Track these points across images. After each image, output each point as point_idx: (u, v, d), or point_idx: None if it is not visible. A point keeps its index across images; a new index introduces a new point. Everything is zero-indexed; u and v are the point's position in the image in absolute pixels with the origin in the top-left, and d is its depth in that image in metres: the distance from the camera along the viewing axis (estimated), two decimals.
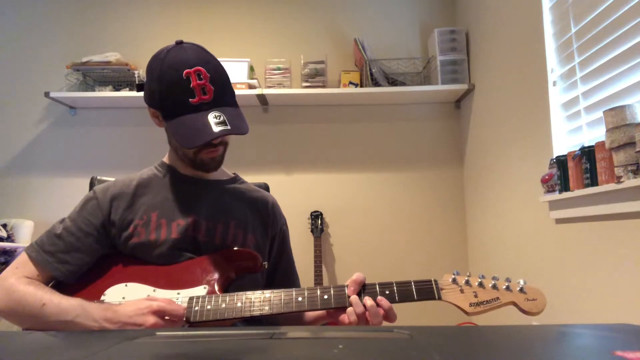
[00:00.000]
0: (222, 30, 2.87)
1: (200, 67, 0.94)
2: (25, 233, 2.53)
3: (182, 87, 0.94)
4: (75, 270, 0.98)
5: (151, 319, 0.84)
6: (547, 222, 1.75)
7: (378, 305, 0.88)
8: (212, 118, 0.93)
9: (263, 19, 2.88)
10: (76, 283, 0.98)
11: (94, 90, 2.68)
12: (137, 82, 2.64)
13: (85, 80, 2.73)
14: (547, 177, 1.64)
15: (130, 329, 0.84)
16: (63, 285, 0.97)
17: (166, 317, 0.86)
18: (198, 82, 0.94)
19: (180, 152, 1.06)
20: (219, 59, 1.01)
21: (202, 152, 1.02)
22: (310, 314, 1.07)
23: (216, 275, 0.96)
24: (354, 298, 0.88)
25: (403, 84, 2.70)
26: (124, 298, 0.93)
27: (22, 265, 0.96)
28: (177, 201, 1.06)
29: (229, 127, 0.93)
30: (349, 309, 0.88)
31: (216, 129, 0.92)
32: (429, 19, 2.86)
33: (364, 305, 0.87)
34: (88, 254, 0.99)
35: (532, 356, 0.41)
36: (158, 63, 0.97)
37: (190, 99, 0.94)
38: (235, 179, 1.19)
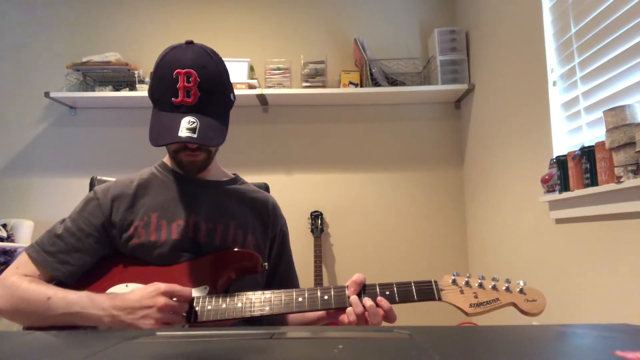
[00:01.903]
0: (222, 30, 2.87)
1: (192, 70, 0.93)
2: (25, 233, 2.53)
3: (169, 85, 0.94)
4: (76, 271, 0.98)
5: (161, 299, 0.86)
6: (547, 222, 1.75)
7: (378, 305, 0.88)
8: (186, 122, 0.91)
9: (263, 19, 2.88)
10: (76, 284, 0.98)
11: (94, 90, 2.68)
12: (141, 80, 2.65)
13: (85, 80, 2.73)
14: (547, 177, 1.64)
15: (141, 312, 0.85)
16: (63, 286, 0.97)
17: (174, 299, 0.87)
18: (185, 84, 0.93)
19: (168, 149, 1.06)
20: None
21: (181, 154, 1.01)
22: (310, 315, 1.07)
23: (216, 276, 0.96)
24: (353, 298, 0.88)
25: (403, 84, 2.70)
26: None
27: (22, 265, 0.97)
28: (177, 202, 1.06)
29: (195, 136, 0.90)
30: (349, 309, 0.88)
31: (182, 133, 0.90)
32: (429, 19, 2.86)
33: (364, 306, 0.87)
34: (89, 255, 0.99)
35: (532, 356, 0.41)
36: (160, 57, 0.98)
37: (172, 98, 0.93)
38: (236, 180, 1.19)
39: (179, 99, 0.93)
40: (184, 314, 0.89)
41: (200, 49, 0.98)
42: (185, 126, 0.91)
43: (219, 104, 0.98)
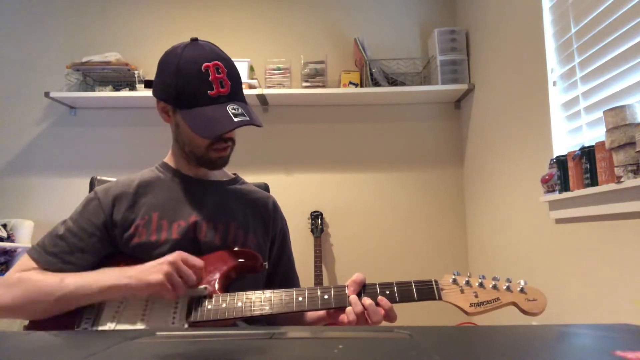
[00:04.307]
0: (222, 30, 2.87)
1: (218, 62, 0.97)
2: (25, 233, 2.53)
3: (201, 80, 0.96)
4: (80, 272, 0.97)
5: (172, 256, 0.89)
6: (547, 222, 1.75)
7: (378, 305, 0.88)
8: (231, 110, 0.96)
9: (263, 19, 2.88)
10: None
11: (94, 90, 2.68)
12: (141, 80, 2.64)
13: (85, 80, 2.73)
14: (547, 177, 1.64)
15: (152, 270, 0.88)
16: None
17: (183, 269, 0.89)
18: (217, 75, 0.97)
19: (187, 149, 1.06)
20: None
21: (212, 149, 1.03)
22: (310, 315, 1.07)
23: (216, 275, 0.96)
24: (353, 297, 0.88)
25: (403, 84, 2.70)
26: (125, 298, 0.93)
27: (24, 267, 0.96)
28: (178, 202, 1.06)
29: (247, 118, 0.96)
30: (348, 309, 0.88)
31: (236, 119, 0.95)
32: (429, 19, 2.86)
33: (363, 305, 0.87)
34: (92, 254, 0.99)
35: (532, 356, 0.41)
36: (175, 57, 0.99)
37: (208, 91, 0.96)
38: (236, 180, 1.19)
39: (215, 91, 0.97)
40: (188, 288, 0.90)
41: (209, 43, 1.02)
42: (233, 113, 0.96)
43: (242, 90, 1.04)
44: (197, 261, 0.92)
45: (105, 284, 0.89)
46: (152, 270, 0.88)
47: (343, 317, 0.89)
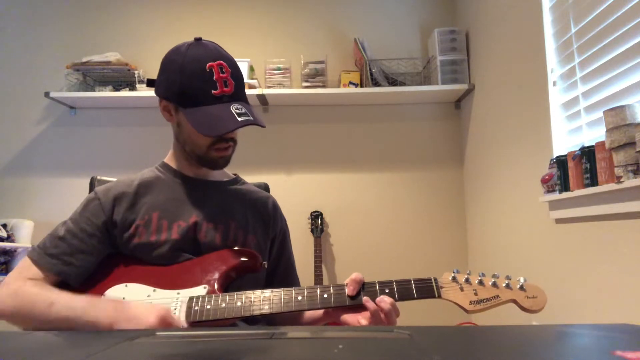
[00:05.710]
0: (222, 30, 2.87)
1: (222, 62, 0.98)
2: (25, 233, 2.53)
3: (205, 78, 0.96)
4: (81, 272, 0.97)
5: (154, 320, 0.82)
6: (547, 222, 1.75)
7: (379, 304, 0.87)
8: (234, 109, 0.96)
9: (263, 19, 2.88)
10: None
11: (94, 90, 2.68)
12: (141, 80, 2.64)
13: (85, 80, 2.73)
14: (547, 177, 1.64)
15: (135, 321, 0.82)
16: (64, 287, 0.97)
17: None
18: (221, 74, 0.97)
19: (188, 148, 1.05)
20: None
21: (214, 149, 1.03)
22: (309, 314, 1.07)
23: (216, 275, 0.96)
24: (366, 299, 0.88)
25: (403, 84, 2.70)
26: (124, 298, 0.93)
27: (25, 269, 0.96)
28: (179, 202, 1.06)
29: (251, 118, 0.96)
30: (364, 313, 0.87)
31: (239, 119, 0.95)
32: (429, 19, 2.86)
33: (378, 306, 0.86)
34: (92, 255, 0.99)
35: (532, 356, 0.41)
36: (179, 55, 0.99)
37: (212, 90, 0.96)
38: (236, 180, 1.19)
39: (219, 90, 0.97)
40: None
41: (213, 43, 1.03)
42: (236, 112, 0.96)
43: (244, 90, 1.04)
44: (178, 322, 0.86)
45: (89, 319, 0.85)
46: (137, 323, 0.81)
47: (346, 318, 0.89)
